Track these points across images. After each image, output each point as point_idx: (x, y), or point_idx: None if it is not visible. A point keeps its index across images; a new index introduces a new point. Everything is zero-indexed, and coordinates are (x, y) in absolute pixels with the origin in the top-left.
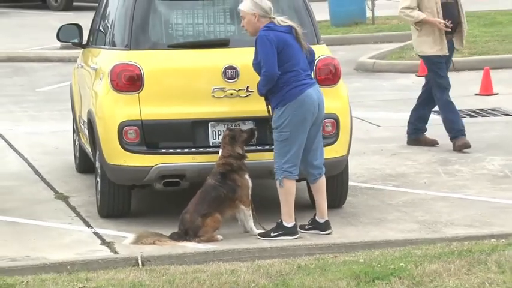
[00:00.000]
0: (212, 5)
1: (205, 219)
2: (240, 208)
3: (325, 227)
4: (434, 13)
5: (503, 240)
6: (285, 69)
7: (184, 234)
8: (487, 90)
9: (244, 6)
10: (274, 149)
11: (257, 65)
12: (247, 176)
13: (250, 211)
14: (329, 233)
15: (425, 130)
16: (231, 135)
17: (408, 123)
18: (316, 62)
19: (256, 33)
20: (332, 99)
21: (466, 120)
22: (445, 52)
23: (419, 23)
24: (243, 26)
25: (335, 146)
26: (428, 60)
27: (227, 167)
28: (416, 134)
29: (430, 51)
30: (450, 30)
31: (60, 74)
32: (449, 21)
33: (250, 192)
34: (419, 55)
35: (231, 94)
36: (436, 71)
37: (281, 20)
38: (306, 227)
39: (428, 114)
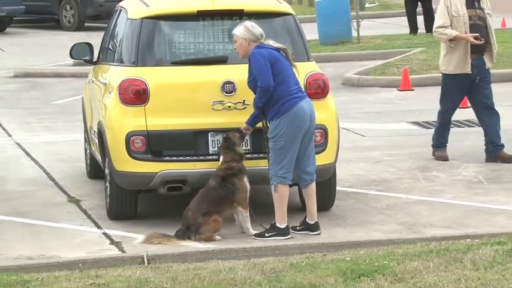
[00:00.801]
0: (212, 26)
1: (207, 218)
2: (238, 210)
3: (315, 228)
4: (463, 34)
5: (478, 240)
6: (277, 82)
7: (186, 230)
8: (463, 103)
9: (238, 31)
10: (270, 157)
11: (252, 82)
12: (245, 180)
13: (248, 213)
14: (318, 234)
15: (503, 146)
16: (229, 139)
17: (486, 143)
18: (306, 77)
19: (246, 55)
20: (321, 112)
21: None
22: (468, 71)
23: (453, 41)
24: (235, 49)
25: (324, 154)
26: (447, 78)
27: (228, 171)
28: (495, 152)
29: (452, 71)
30: (481, 42)
31: (72, 89)
32: (480, 37)
33: (248, 195)
34: (442, 73)
35: (229, 107)
36: (448, 92)
37: (272, 43)
38: (298, 228)
39: (499, 129)
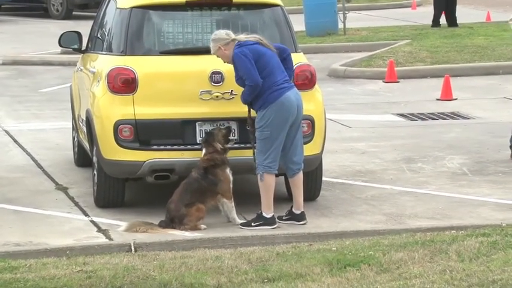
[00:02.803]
0: (200, 16)
1: (189, 208)
2: (222, 201)
3: (300, 217)
4: None
5: (462, 231)
6: (263, 75)
7: (170, 222)
8: (447, 95)
9: (212, 50)
10: (256, 147)
11: (240, 80)
12: (228, 171)
13: (232, 203)
14: (304, 224)
15: None
16: (208, 136)
17: None
18: (294, 68)
19: (231, 59)
20: (308, 102)
21: (428, 123)
22: None
23: None
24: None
25: (310, 144)
26: None
27: (210, 162)
28: None
29: None
30: None
31: (61, 77)
32: None
33: (231, 186)
34: None
35: (217, 96)
36: None
37: (243, 37)
38: (284, 217)
39: None
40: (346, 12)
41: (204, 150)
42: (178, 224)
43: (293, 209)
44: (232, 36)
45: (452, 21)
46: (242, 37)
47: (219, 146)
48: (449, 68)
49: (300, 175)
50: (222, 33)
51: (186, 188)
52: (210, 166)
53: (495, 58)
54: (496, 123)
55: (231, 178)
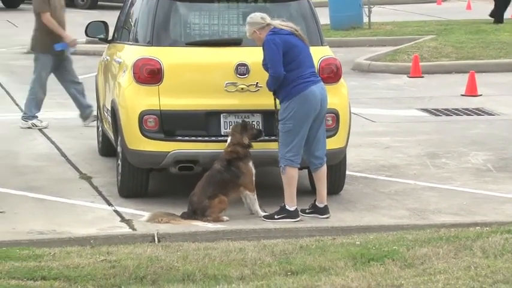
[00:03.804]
0: (227, 8)
1: (212, 200)
2: (244, 193)
3: (324, 211)
4: None
5: (487, 228)
6: (291, 67)
7: (192, 214)
8: (472, 91)
9: (248, 32)
10: (279, 139)
11: (265, 66)
12: (250, 164)
13: (255, 195)
14: (327, 217)
15: None
16: (243, 125)
17: None
18: (319, 61)
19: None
20: (333, 96)
21: (452, 119)
22: None
23: None
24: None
25: (335, 138)
26: None
27: (233, 155)
28: None
29: None
30: None
31: (85, 66)
32: None
33: (254, 179)
34: None
35: (242, 89)
36: None
37: (279, 23)
38: (307, 211)
39: None
40: (372, 6)
41: (229, 140)
42: (200, 216)
43: (316, 203)
44: (268, 20)
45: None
46: (277, 23)
47: (246, 140)
48: (474, 63)
49: (324, 169)
50: (257, 16)
51: (209, 180)
52: (232, 158)
53: None
54: None
55: (254, 171)
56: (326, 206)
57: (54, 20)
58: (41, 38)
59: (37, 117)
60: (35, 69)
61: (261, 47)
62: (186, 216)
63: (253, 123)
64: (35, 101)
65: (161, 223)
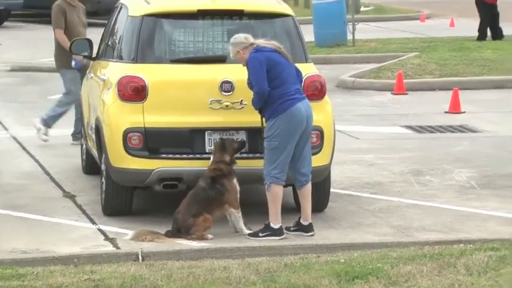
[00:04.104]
0: (211, 25)
1: (196, 218)
2: (229, 211)
3: (308, 229)
4: None
5: (471, 245)
6: (275, 84)
7: (177, 232)
8: (455, 108)
9: (231, 53)
10: (264, 157)
11: (250, 84)
12: (235, 181)
13: (239, 213)
14: (312, 235)
15: None
16: (221, 143)
17: None
18: (304, 78)
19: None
20: (318, 113)
21: (436, 136)
22: None
23: None
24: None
25: (319, 155)
26: None
27: (217, 172)
28: None
29: None
30: None
31: None
32: None
33: (238, 196)
34: None
35: (227, 106)
36: None
37: (262, 42)
38: (291, 228)
39: None
40: (356, 23)
41: (211, 158)
42: (185, 234)
43: (301, 220)
44: (251, 40)
45: (497, 35)
46: (261, 42)
47: (227, 157)
48: (458, 81)
49: (308, 186)
50: (241, 37)
51: (194, 198)
52: (216, 176)
53: (503, 72)
54: (504, 137)
55: (238, 188)
56: (311, 223)
57: (65, 37)
58: (61, 54)
59: (46, 130)
60: (64, 84)
61: (245, 67)
62: (170, 234)
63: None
64: (57, 114)
65: (145, 241)
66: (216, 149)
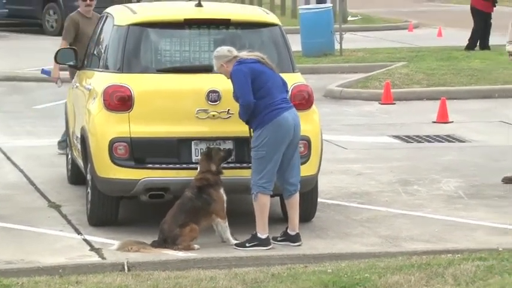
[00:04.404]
0: (198, 35)
1: (183, 229)
2: (216, 221)
3: (295, 239)
4: None
5: (459, 255)
6: (260, 95)
7: (163, 242)
8: (443, 118)
9: (215, 67)
10: (252, 166)
11: (236, 97)
12: (222, 191)
13: (226, 223)
14: (299, 245)
15: None
16: (207, 153)
17: None
18: (291, 88)
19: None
20: (305, 123)
21: (424, 146)
22: None
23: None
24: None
25: (307, 165)
26: None
27: (204, 182)
28: None
29: None
30: None
31: (55, 93)
32: None
33: (225, 206)
34: None
35: (213, 115)
36: None
37: (245, 54)
38: (278, 238)
39: None
40: (343, 33)
41: (198, 168)
42: (171, 244)
43: (288, 230)
44: (235, 53)
45: (485, 45)
46: (244, 54)
47: (213, 167)
48: (446, 90)
49: (296, 196)
50: (224, 50)
51: (180, 208)
52: (203, 186)
53: (491, 81)
54: (491, 147)
55: (225, 198)
56: (298, 233)
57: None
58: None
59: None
60: None
61: (229, 79)
62: (156, 244)
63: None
64: None
65: (131, 252)
66: (202, 158)
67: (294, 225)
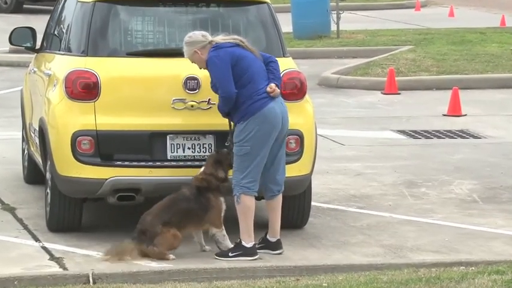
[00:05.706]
0: (175, 13)
1: (165, 229)
2: (212, 231)
3: (276, 246)
4: None
5: (473, 268)
6: (242, 83)
7: (141, 234)
8: (455, 111)
9: (186, 54)
10: (234, 164)
11: (214, 87)
12: (222, 200)
13: (224, 231)
14: (280, 253)
15: None
16: (216, 157)
17: None
18: (281, 75)
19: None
20: (297, 115)
21: (432, 142)
22: None
23: None
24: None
25: (298, 164)
26: None
27: (204, 183)
28: None
29: None
30: None
31: (9, 79)
32: None
33: (222, 215)
34: None
35: (192, 106)
36: None
37: (221, 38)
38: (256, 245)
39: None
40: (340, 12)
41: (202, 168)
42: (148, 240)
43: (268, 236)
44: (210, 38)
45: None
46: (220, 38)
47: (222, 174)
48: (458, 79)
49: (280, 198)
50: (197, 35)
51: (171, 205)
52: (203, 188)
53: (510, 69)
54: (510, 144)
55: (224, 207)
56: (279, 240)
57: None
58: None
59: None
60: None
61: (205, 68)
62: (135, 236)
63: (205, 146)
64: None
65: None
66: (210, 161)
67: (275, 230)
